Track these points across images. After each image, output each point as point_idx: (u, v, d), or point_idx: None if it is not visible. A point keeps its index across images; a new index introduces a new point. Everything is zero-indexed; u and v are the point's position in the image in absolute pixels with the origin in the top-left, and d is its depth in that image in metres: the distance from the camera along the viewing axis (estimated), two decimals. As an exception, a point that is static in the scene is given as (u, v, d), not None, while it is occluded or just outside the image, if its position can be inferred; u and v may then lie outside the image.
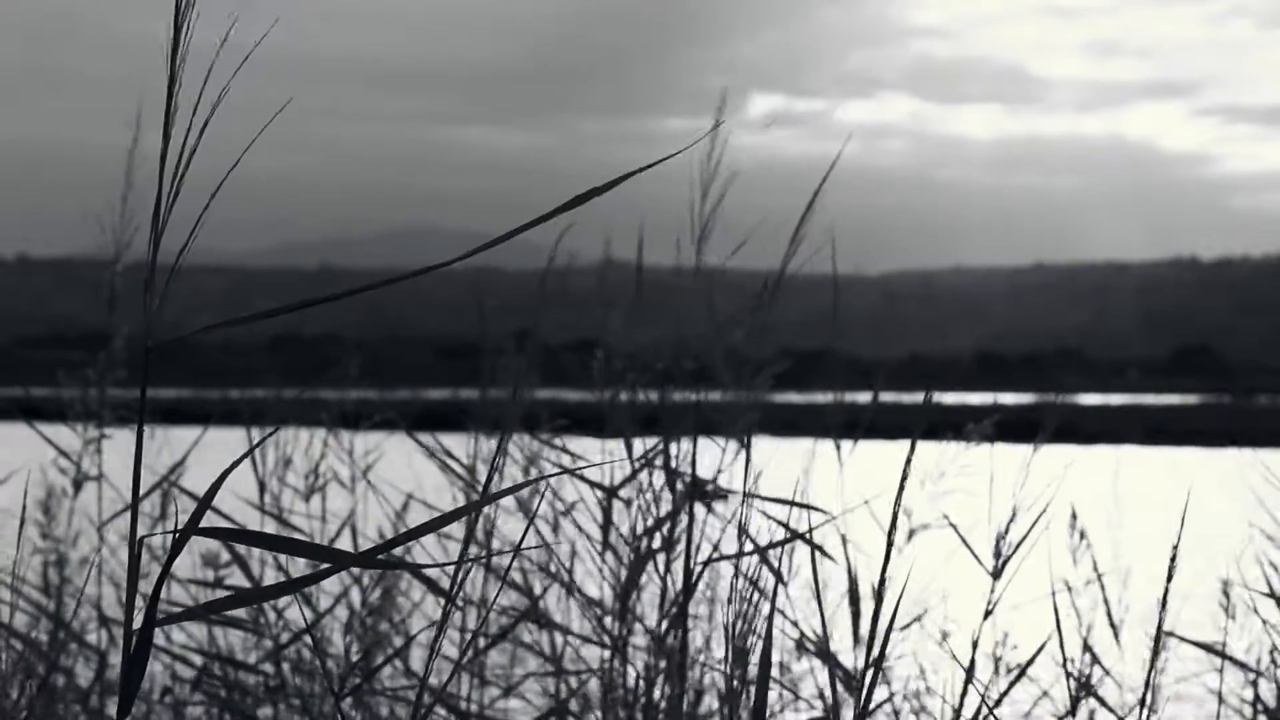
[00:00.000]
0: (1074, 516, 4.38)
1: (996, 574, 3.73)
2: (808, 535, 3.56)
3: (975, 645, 3.72)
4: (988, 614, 3.70)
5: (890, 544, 2.60)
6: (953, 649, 3.56)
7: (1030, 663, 3.68)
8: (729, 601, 2.61)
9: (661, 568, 3.88)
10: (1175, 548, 2.79)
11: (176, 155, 1.79)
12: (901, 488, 2.40)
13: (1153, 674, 2.80)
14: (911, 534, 4.34)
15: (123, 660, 1.75)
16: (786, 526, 3.65)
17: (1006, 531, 3.71)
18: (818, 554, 3.96)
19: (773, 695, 4.66)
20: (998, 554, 3.70)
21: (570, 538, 4.32)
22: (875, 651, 2.62)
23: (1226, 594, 4.58)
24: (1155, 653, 2.89)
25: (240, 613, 4.51)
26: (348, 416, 5.80)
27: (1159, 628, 2.86)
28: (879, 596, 2.65)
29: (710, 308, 3.83)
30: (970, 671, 3.46)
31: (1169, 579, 2.88)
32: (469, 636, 4.43)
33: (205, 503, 1.81)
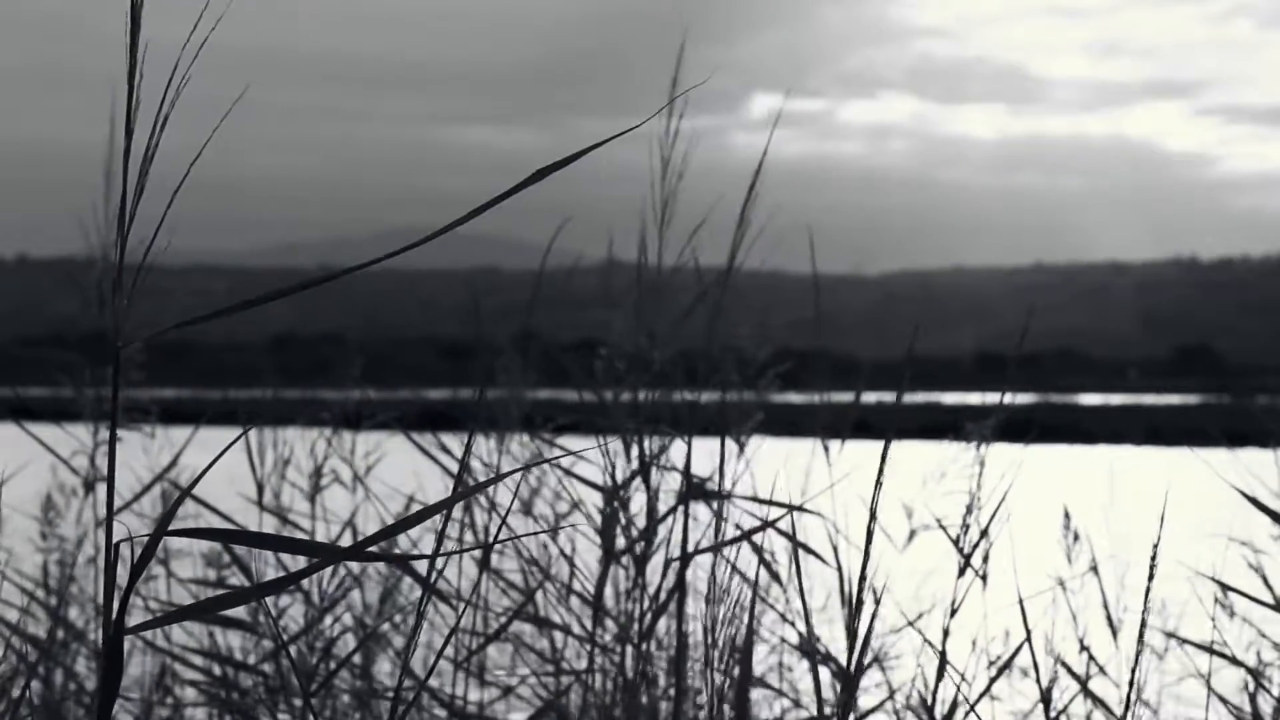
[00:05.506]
0: (1067, 516, 4.40)
1: (977, 574, 3.74)
2: (788, 528, 3.55)
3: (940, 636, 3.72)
4: (954, 611, 3.71)
5: (867, 549, 2.61)
6: (940, 647, 3.57)
7: (1013, 657, 3.69)
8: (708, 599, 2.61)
9: (642, 567, 3.88)
10: (1155, 547, 2.80)
11: (141, 151, 1.76)
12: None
13: (1136, 672, 2.82)
14: (912, 535, 4.35)
15: (99, 667, 1.75)
16: (765, 521, 3.66)
17: (985, 530, 3.72)
18: (814, 551, 3.97)
19: (770, 695, 4.66)
20: (965, 553, 3.71)
21: (569, 536, 4.33)
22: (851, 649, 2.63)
23: (1225, 589, 4.59)
24: (1138, 653, 2.90)
25: (240, 613, 4.52)
26: (349, 416, 5.81)
27: (1143, 626, 2.88)
28: (857, 599, 2.66)
29: (658, 305, 3.83)
30: (948, 665, 3.47)
31: (1150, 578, 2.90)
32: (463, 635, 4.44)
33: (176, 504, 1.79)
